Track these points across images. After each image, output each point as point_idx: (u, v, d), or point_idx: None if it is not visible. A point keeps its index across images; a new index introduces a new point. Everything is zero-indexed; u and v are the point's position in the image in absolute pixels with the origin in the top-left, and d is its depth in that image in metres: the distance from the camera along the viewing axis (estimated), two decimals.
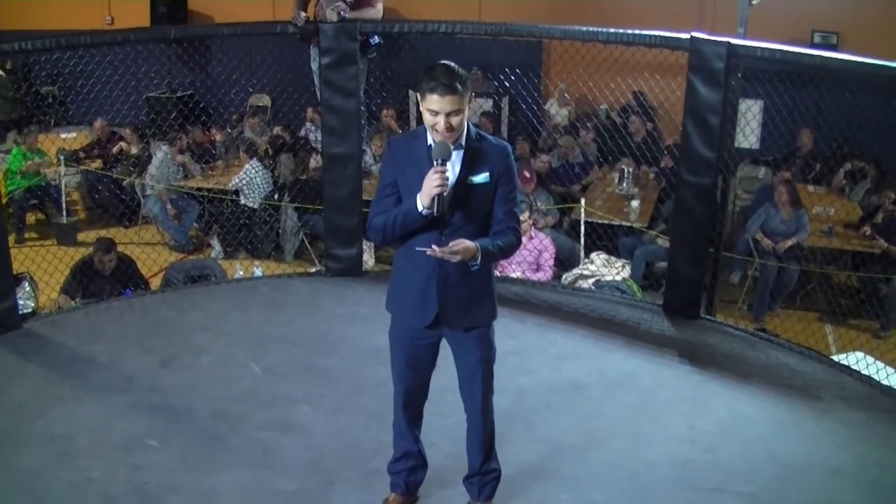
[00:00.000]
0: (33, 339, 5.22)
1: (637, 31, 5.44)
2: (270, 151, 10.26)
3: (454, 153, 3.20)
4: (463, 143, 3.23)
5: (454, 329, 3.38)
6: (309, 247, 9.33)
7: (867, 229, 8.27)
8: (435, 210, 3.14)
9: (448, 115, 3.10)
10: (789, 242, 8.10)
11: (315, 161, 9.10)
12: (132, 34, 5.96)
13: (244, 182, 9.41)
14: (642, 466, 4.06)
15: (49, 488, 3.80)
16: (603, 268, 7.13)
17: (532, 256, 7.08)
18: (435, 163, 3.14)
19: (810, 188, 9.44)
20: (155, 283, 7.58)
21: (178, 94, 12.81)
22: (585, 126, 10.66)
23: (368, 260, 7.62)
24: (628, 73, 7.05)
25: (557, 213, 8.91)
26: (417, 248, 3.23)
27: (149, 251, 8.28)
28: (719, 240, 5.79)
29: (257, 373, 4.89)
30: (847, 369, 5.11)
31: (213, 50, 12.91)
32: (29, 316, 5.87)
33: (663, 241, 7.97)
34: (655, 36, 5.39)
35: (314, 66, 6.13)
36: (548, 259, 7.11)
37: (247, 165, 9.51)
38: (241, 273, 7.83)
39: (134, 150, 10.40)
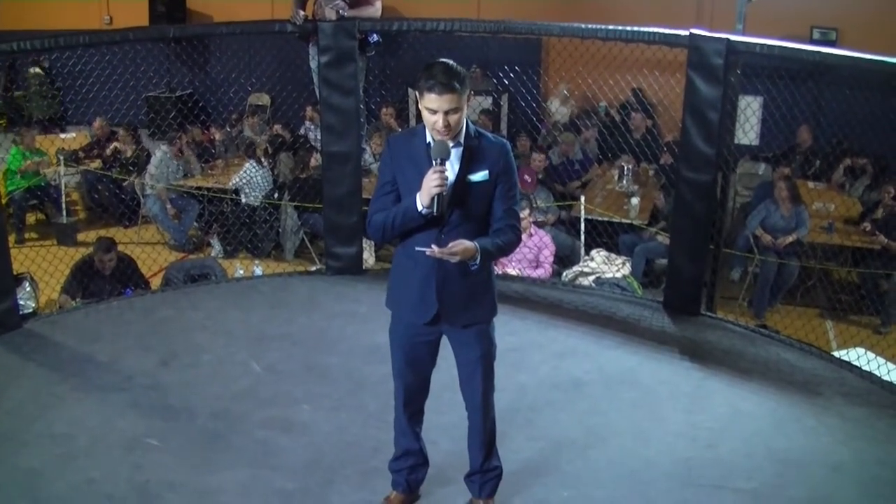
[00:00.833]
0: (34, 338, 5.22)
1: (636, 28, 5.44)
2: (270, 150, 10.25)
3: (453, 151, 3.20)
4: (462, 140, 3.22)
5: (454, 326, 3.37)
6: (309, 245, 9.33)
7: (867, 225, 8.27)
8: (434, 209, 3.14)
9: (446, 113, 3.10)
10: (789, 239, 8.10)
11: (315, 160, 9.09)
12: (131, 33, 5.96)
13: (244, 181, 9.41)
14: (643, 463, 4.06)
15: (50, 488, 3.80)
16: (603, 265, 7.14)
17: (532, 254, 7.08)
18: (434, 162, 3.13)
19: (810, 184, 9.45)
20: (155, 282, 7.58)
21: (178, 94, 12.81)
22: (586, 124, 10.65)
23: (368, 258, 7.62)
24: (627, 70, 7.04)
25: (557, 210, 8.91)
26: (417, 249, 3.22)
27: (149, 251, 8.28)
28: (719, 236, 5.79)
29: (257, 371, 4.89)
30: (847, 365, 5.11)
31: (212, 49, 12.91)
32: (29, 316, 5.87)
33: (663, 238, 7.97)
34: (654, 33, 5.38)
35: (313, 64, 6.13)
36: (547, 256, 7.11)
37: (246, 164, 9.52)
38: (241, 272, 7.83)
39: (129, 151, 10.37)
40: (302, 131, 10.91)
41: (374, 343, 4.87)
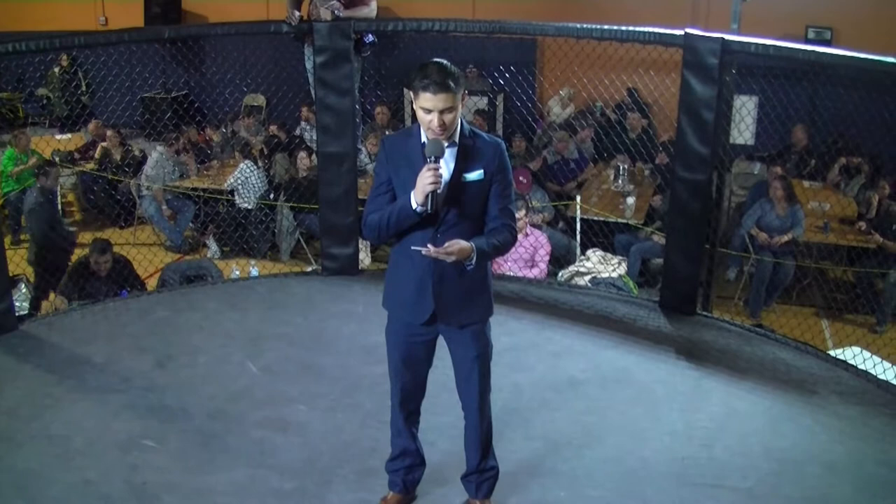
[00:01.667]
0: (29, 340, 5.21)
1: (631, 28, 5.45)
2: (266, 151, 10.24)
3: (448, 150, 3.20)
4: (456, 140, 3.23)
5: (450, 326, 3.38)
6: (305, 246, 9.32)
7: (862, 224, 8.28)
8: (429, 207, 3.15)
9: (441, 112, 3.10)
10: (785, 238, 8.11)
11: (309, 160, 9.08)
12: (126, 34, 5.96)
13: (239, 182, 9.40)
14: (639, 462, 4.07)
15: (47, 489, 3.80)
16: (599, 265, 7.15)
17: (528, 254, 7.09)
18: (428, 160, 3.14)
19: (805, 184, 9.46)
20: (151, 283, 7.57)
21: (173, 95, 12.79)
22: (581, 124, 10.66)
23: (364, 259, 7.63)
24: (622, 69, 7.06)
25: (552, 209, 8.92)
26: (413, 248, 3.23)
27: (144, 252, 8.27)
28: (715, 236, 5.79)
29: (254, 372, 4.89)
30: (843, 364, 5.12)
31: (207, 50, 12.89)
32: (25, 317, 5.86)
33: (659, 238, 7.98)
34: (649, 33, 5.39)
35: (308, 65, 6.13)
36: (543, 256, 7.12)
37: (241, 165, 9.51)
38: (238, 273, 7.82)
39: (117, 154, 10.35)
40: (297, 132, 10.90)
41: (370, 343, 4.87)
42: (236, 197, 9.42)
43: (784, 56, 5.21)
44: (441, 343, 3.48)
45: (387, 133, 8.81)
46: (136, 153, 10.62)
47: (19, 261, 6.98)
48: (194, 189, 9.80)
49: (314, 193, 6.65)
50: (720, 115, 5.34)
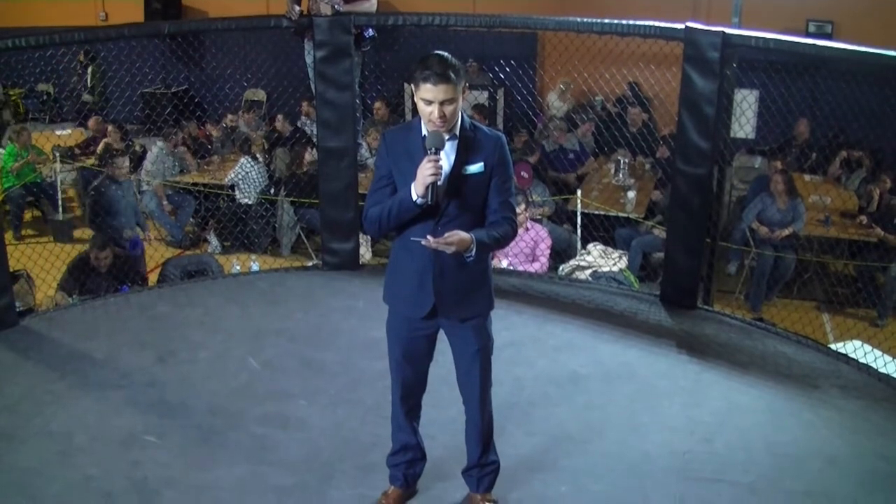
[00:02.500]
0: (30, 336, 5.21)
1: (632, 22, 5.43)
2: (266, 146, 10.23)
3: (448, 143, 3.20)
4: (457, 132, 3.23)
5: (451, 320, 3.37)
6: (305, 241, 9.32)
7: (863, 218, 8.28)
8: (429, 199, 3.14)
9: (442, 104, 3.10)
10: (786, 231, 8.10)
11: (311, 155, 9.07)
12: (126, 30, 5.96)
13: (239, 177, 9.39)
14: (640, 457, 4.07)
15: (48, 485, 3.80)
16: (600, 259, 7.15)
17: (528, 248, 7.09)
18: (428, 151, 3.13)
19: (806, 177, 9.45)
20: (152, 278, 7.57)
21: (173, 90, 12.78)
22: (582, 117, 10.64)
23: (365, 253, 7.62)
24: (623, 63, 7.04)
25: (553, 203, 8.90)
26: (413, 239, 3.23)
27: (145, 246, 8.26)
28: (716, 230, 5.79)
29: (255, 367, 4.89)
30: (844, 358, 5.12)
31: (207, 45, 12.86)
32: (26, 313, 5.86)
33: (660, 232, 7.97)
34: (650, 26, 5.38)
35: (308, 59, 6.12)
36: (544, 250, 7.12)
37: (241, 160, 9.50)
38: (238, 268, 7.82)
39: (116, 147, 10.33)
40: (298, 125, 10.89)
41: (371, 338, 4.86)
42: (237, 192, 9.41)
43: (785, 50, 5.20)
44: (442, 337, 3.47)
45: (383, 128, 8.80)
46: (137, 149, 10.60)
47: (20, 256, 6.97)
48: (195, 184, 9.79)
49: (315, 188, 6.65)
50: (721, 109, 5.33)
